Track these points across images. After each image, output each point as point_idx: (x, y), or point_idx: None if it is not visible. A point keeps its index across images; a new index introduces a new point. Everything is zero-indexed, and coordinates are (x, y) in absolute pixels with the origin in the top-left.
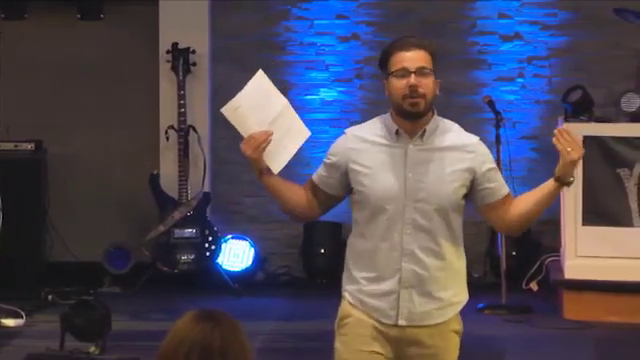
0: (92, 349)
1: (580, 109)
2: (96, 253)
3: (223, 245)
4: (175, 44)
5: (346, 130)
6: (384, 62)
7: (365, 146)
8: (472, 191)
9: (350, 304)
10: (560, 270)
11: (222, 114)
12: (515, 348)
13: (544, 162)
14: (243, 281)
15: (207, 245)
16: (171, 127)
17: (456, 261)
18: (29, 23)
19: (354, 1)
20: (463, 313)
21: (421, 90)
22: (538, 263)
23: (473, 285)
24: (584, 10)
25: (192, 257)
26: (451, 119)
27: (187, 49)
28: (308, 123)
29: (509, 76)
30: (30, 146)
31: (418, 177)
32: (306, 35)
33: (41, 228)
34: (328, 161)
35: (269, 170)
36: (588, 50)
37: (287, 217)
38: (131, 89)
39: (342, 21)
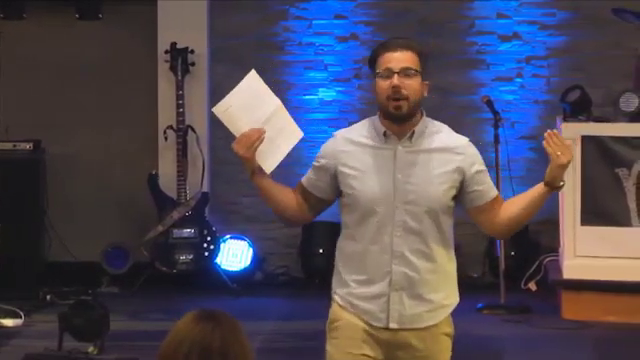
0: (90, 349)
1: (579, 109)
2: (95, 253)
3: (222, 245)
4: (174, 44)
5: (335, 132)
6: (372, 63)
7: (354, 148)
8: (461, 193)
9: (340, 307)
10: (559, 270)
11: None
12: (514, 348)
13: (543, 162)
14: (242, 281)
15: (206, 245)
16: (170, 127)
17: (447, 263)
18: (28, 23)
19: (352, 1)
20: (462, 313)
21: (404, 92)
22: (537, 263)
23: (472, 285)
24: (583, 10)
25: (191, 257)
26: (450, 119)
27: (186, 49)
28: (306, 123)
29: (507, 76)
30: (28, 146)
31: (407, 179)
32: (305, 35)
33: (40, 228)
34: (317, 164)
35: (261, 170)
36: (587, 50)
37: None
38: (130, 89)
39: (340, 21)
